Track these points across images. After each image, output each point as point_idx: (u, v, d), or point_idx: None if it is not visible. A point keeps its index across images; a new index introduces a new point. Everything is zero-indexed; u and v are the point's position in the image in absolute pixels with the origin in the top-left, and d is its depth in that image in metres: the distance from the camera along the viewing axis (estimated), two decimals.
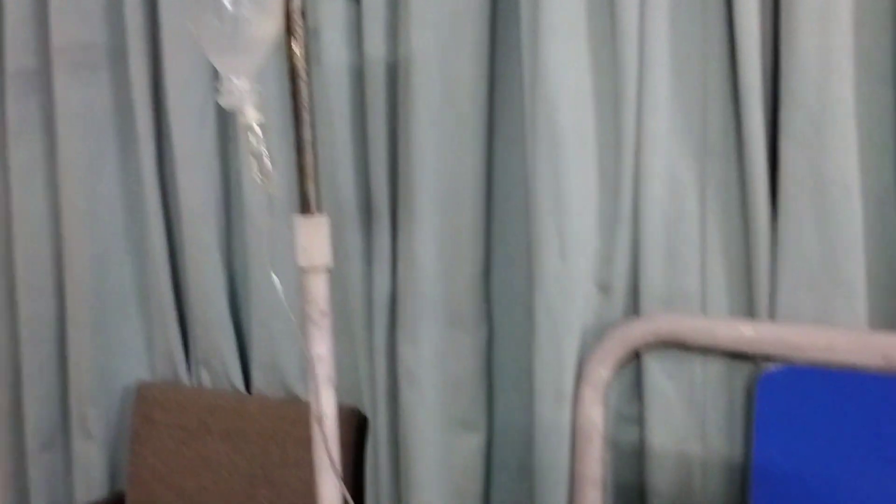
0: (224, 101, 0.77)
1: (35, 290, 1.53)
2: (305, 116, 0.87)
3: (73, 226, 1.46)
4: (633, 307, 1.08)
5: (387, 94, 1.19)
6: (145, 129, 1.39)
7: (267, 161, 0.79)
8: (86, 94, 1.43)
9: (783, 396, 0.95)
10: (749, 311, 1.01)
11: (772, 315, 0.98)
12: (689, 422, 1.04)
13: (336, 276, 1.27)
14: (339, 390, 1.32)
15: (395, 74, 1.18)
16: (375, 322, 1.22)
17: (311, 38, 1.09)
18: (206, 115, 1.35)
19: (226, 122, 1.37)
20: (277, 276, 0.96)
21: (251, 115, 0.78)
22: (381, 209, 1.20)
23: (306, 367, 0.91)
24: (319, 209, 0.88)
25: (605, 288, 1.09)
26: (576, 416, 1.07)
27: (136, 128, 1.40)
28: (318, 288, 0.88)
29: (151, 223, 1.42)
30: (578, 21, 1.06)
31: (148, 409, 1.46)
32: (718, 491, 1.03)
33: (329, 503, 0.93)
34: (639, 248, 1.05)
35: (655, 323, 1.02)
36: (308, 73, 0.88)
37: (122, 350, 1.52)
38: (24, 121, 1.50)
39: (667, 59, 1.02)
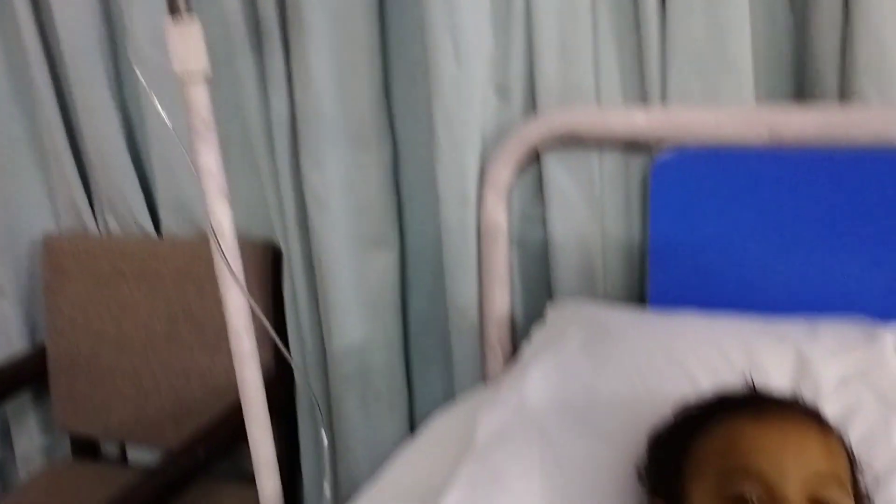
0: None
1: None
2: None
3: None
4: (532, 109, 1.08)
5: None
6: None
7: None
8: None
9: (676, 179, 0.97)
10: (642, 99, 1.01)
11: (664, 101, 0.99)
12: (590, 214, 1.06)
13: (231, 102, 1.23)
14: (251, 224, 1.32)
15: None
16: (277, 148, 1.19)
17: None
18: None
19: None
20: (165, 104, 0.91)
21: None
22: (271, 29, 1.14)
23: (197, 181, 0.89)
24: (190, 12, 0.83)
25: (502, 90, 1.08)
26: (480, 219, 1.09)
27: None
28: (199, 96, 0.84)
29: (33, 67, 1.34)
30: None
31: (58, 261, 1.44)
32: (619, 273, 1.08)
33: (237, 317, 0.94)
34: (533, 47, 1.04)
35: (551, 119, 1.02)
36: None
37: (24, 204, 1.48)
38: None
39: None
